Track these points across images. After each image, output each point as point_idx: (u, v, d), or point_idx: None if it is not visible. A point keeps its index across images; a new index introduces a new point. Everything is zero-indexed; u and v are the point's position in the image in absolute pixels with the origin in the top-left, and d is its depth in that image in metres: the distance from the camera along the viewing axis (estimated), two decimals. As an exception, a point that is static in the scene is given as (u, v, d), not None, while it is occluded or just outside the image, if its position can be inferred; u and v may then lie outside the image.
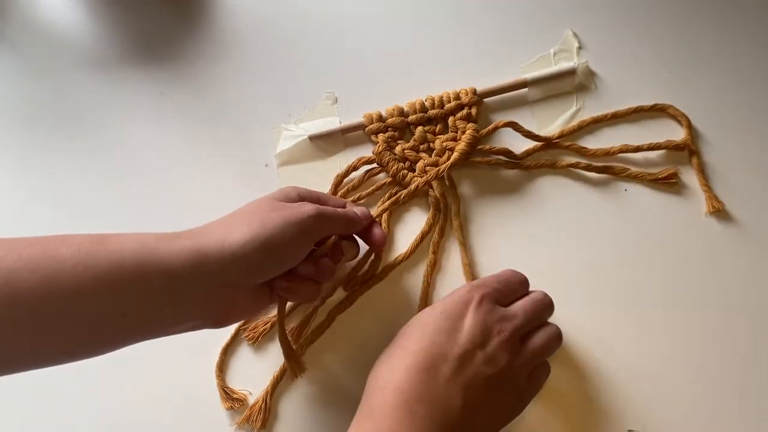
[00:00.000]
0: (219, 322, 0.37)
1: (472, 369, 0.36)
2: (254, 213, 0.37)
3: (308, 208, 0.38)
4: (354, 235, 0.44)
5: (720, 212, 0.46)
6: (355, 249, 0.44)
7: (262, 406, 0.44)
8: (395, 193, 0.48)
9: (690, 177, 0.48)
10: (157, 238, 0.34)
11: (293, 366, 0.43)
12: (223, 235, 0.35)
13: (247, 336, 0.46)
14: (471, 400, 0.35)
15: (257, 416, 0.44)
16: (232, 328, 0.46)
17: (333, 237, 0.42)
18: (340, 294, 0.47)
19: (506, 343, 0.37)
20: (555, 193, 0.48)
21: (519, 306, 0.39)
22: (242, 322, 0.46)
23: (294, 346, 0.44)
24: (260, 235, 0.35)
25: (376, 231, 0.44)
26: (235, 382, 0.46)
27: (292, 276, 0.39)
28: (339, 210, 0.41)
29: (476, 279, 0.45)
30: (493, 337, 0.37)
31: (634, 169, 0.47)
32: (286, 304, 0.42)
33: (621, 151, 0.48)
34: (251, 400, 0.45)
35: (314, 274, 0.40)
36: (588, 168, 0.48)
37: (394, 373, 0.36)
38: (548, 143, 0.48)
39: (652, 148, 0.48)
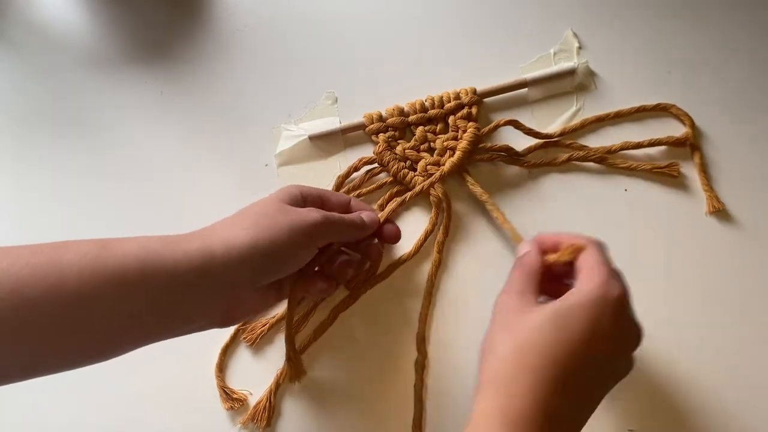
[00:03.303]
0: (226, 322, 0.38)
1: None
2: (261, 215, 0.37)
3: (315, 215, 0.38)
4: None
5: (720, 212, 0.46)
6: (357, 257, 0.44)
7: (267, 404, 0.44)
8: (396, 193, 0.48)
9: (691, 177, 0.48)
10: (163, 241, 0.34)
11: (293, 369, 0.43)
12: (230, 237, 0.35)
13: (246, 338, 0.46)
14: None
15: (262, 414, 0.44)
16: (231, 329, 0.46)
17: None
18: (342, 292, 0.47)
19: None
20: (556, 193, 0.48)
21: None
22: (241, 323, 0.46)
23: (297, 349, 0.44)
24: (266, 239, 0.35)
25: (388, 227, 0.44)
26: (235, 383, 0.46)
27: (302, 274, 0.40)
28: (346, 218, 0.41)
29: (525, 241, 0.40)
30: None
31: (633, 161, 0.47)
32: (296, 304, 0.42)
33: (622, 148, 0.48)
34: (251, 400, 0.45)
35: (330, 271, 0.41)
36: (586, 158, 0.48)
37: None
38: (549, 141, 0.48)
39: (653, 144, 0.48)
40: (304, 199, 0.41)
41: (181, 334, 0.36)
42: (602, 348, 0.32)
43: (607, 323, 0.32)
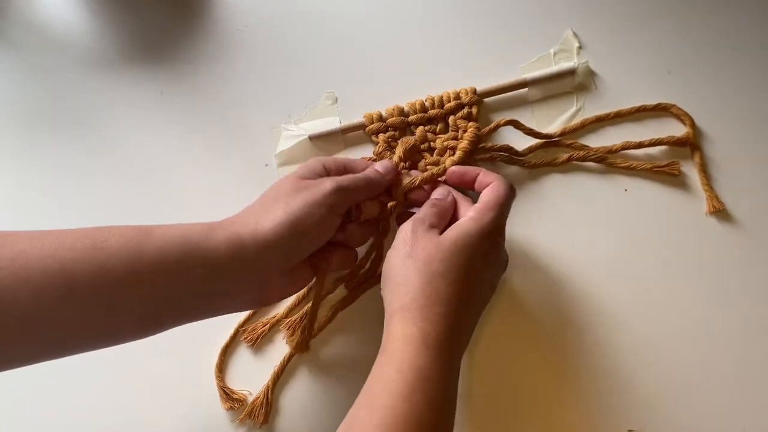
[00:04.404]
0: (263, 303, 0.40)
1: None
2: (276, 199, 0.38)
3: (327, 184, 0.39)
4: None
5: (720, 212, 0.46)
6: (375, 206, 0.44)
7: (264, 401, 0.44)
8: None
9: (691, 177, 0.48)
10: (198, 230, 0.36)
11: (302, 340, 0.44)
12: (254, 224, 0.37)
13: (246, 338, 0.46)
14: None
15: (259, 411, 0.44)
16: (231, 329, 0.46)
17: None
18: (342, 291, 0.47)
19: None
20: (556, 193, 0.48)
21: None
22: (241, 323, 0.47)
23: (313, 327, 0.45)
24: (286, 221, 0.37)
25: (418, 193, 0.44)
26: (235, 383, 0.46)
27: (322, 247, 0.41)
28: (358, 175, 0.42)
29: None
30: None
31: (634, 161, 0.47)
32: (324, 277, 0.43)
33: (623, 148, 0.48)
34: (251, 400, 0.45)
35: (343, 239, 0.42)
36: (587, 158, 0.48)
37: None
38: (549, 141, 0.48)
39: (653, 143, 0.48)
40: (327, 171, 0.42)
41: (222, 314, 0.38)
42: (487, 272, 0.39)
43: (491, 250, 0.39)
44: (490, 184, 0.41)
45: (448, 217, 0.41)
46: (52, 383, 0.46)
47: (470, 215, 0.39)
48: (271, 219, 0.37)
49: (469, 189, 0.44)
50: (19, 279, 0.30)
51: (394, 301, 0.36)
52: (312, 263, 0.42)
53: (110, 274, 0.32)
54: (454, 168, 0.44)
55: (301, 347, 0.45)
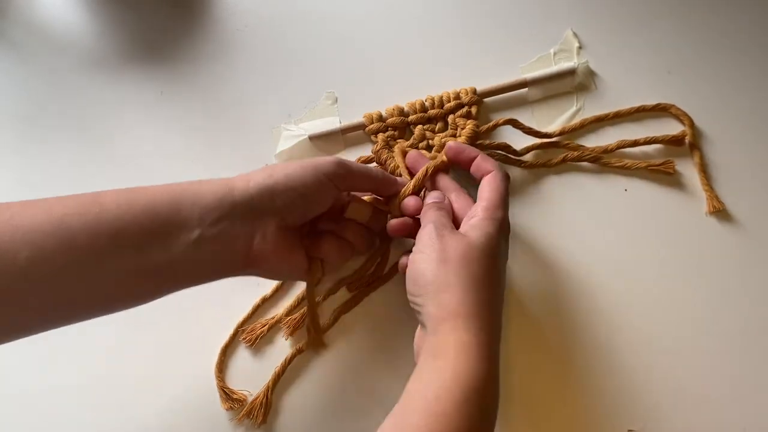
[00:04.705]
0: (248, 261, 0.38)
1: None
2: (275, 166, 0.40)
3: (331, 157, 0.40)
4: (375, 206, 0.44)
5: (720, 212, 0.46)
6: (366, 208, 0.43)
7: (263, 401, 0.44)
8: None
9: (691, 177, 0.48)
10: (188, 182, 0.37)
11: (312, 339, 0.45)
12: (248, 177, 0.38)
13: (245, 338, 0.46)
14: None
15: (258, 411, 0.44)
16: (230, 328, 0.46)
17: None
18: (345, 294, 0.47)
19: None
20: (555, 193, 0.48)
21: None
22: (240, 323, 0.46)
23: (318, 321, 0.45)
24: (280, 173, 0.38)
25: (411, 201, 0.43)
26: (235, 383, 0.46)
27: (315, 234, 0.42)
28: (368, 166, 0.43)
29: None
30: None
31: (629, 160, 0.47)
32: (318, 266, 0.43)
33: (619, 146, 0.48)
34: (250, 400, 0.45)
35: (337, 230, 0.42)
36: (581, 158, 0.48)
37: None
38: (548, 141, 0.48)
39: (649, 142, 0.48)
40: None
41: (210, 278, 0.38)
42: (503, 261, 0.40)
43: (505, 247, 0.40)
44: (490, 174, 0.41)
45: (450, 212, 0.41)
46: (52, 382, 0.46)
47: (483, 215, 0.38)
48: (266, 173, 0.38)
49: (463, 168, 0.43)
50: (18, 232, 0.31)
51: (440, 307, 0.35)
52: (305, 248, 0.42)
53: (106, 225, 0.33)
54: (452, 143, 0.44)
55: (316, 344, 0.45)
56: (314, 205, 0.40)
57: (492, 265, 0.36)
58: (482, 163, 0.42)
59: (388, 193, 0.44)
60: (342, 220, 0.43)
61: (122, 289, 0.35)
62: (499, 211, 0.39)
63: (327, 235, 0.42)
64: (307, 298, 0.44)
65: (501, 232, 0.38)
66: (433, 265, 0.36)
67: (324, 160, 0.40)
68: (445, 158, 0.44)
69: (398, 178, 0.44)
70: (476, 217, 0.38)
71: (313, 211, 0.40)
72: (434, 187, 0.44)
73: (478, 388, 0.32)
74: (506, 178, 0.41)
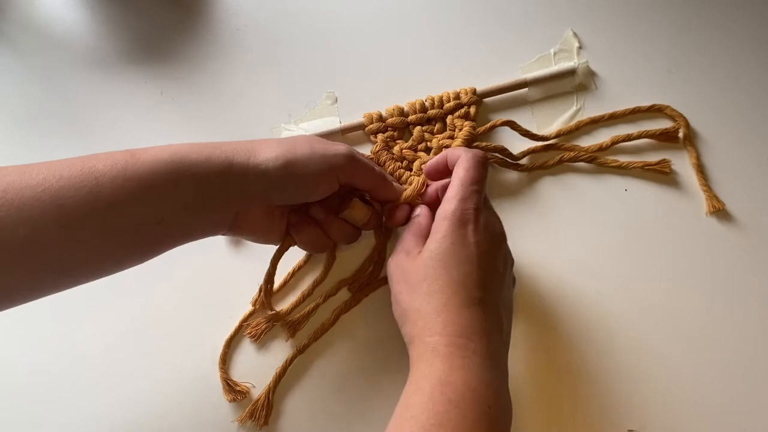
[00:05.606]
0: (232, 229, 0.39)
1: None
2: (286, 140, 0.39)
3: (342, 146, 0.39)
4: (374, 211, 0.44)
5: (720, 212, 0.46)
6: (364, 211, 0.43)
7: (265, 402, 0.44)
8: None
9: (691, 177, 0.48)
10: (189, 147, 0.36)
11: (265, 299, 0.45)
12: (251, 150, 0.37)
13: (249, 333, 0.46)
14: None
15: (260, 413, 0.44)
16: (235, 321, 0.46)
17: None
18: (345, 294, 0.47)
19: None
20: (554, 194, 0.48)
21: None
22: (245, 317, 0.46)
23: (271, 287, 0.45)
24: (284, 156, 0.37)
25: (400, 213, 0.43)
26: (238, 375, 0.46)
27: (302, 215, 0.42)
28: (376, 165, 0.42)
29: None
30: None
31: (624, 159, 0.47)
32: (289, 241, 0.43)
33: (614, 142, 0.48)
34: (254, 393, 0.45)
35: (323, 222, 0.42)
36: (577, 158, 0.48)
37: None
38: (545, 143, 0.48)
39: (641, 136, 0.48)
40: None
41: (199, 237, 0.38)
42: (486, 245, 0.37)
43: (474, 231, 0.37)
44: (458, 161, 0.39)
45: (426, 230, 0.40)
46: (54, 381, 0.46)
47: (441, 213, 0.38)
48: (270, 150, 0.37)
49: (451, 173, 0.42)
50: (13, 208, 0.31)
51: (420, 333, 0.36)
52: (288, 225, 0.42)
53: (101, 198, 0.32)
54: (426, 166, 0.43)
55: (263, 305, 0.45)
56: (311, 195, 0.40)
57: (453, 263, 0.36)
58: (451, 156, 0.41)
59: (382, 197, 0.43)
60: (331, 213, 0.42)
61: (120, 252, 0.35)
62: (460, 192, 0.37)
63: (312, 226, 0.42)
64: (271, 262, 0.43)
65: (463, 214, 0.37)
66: (405, 296, 0.37)
67: (337, 152, 0.39)
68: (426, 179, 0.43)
69: (395, 184, 0.44)
70: (437, 217, 0.38)
71: (308, 199, 0.40)
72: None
73: (484, 395, 0.33)
74: (473, 157, 0.39)
